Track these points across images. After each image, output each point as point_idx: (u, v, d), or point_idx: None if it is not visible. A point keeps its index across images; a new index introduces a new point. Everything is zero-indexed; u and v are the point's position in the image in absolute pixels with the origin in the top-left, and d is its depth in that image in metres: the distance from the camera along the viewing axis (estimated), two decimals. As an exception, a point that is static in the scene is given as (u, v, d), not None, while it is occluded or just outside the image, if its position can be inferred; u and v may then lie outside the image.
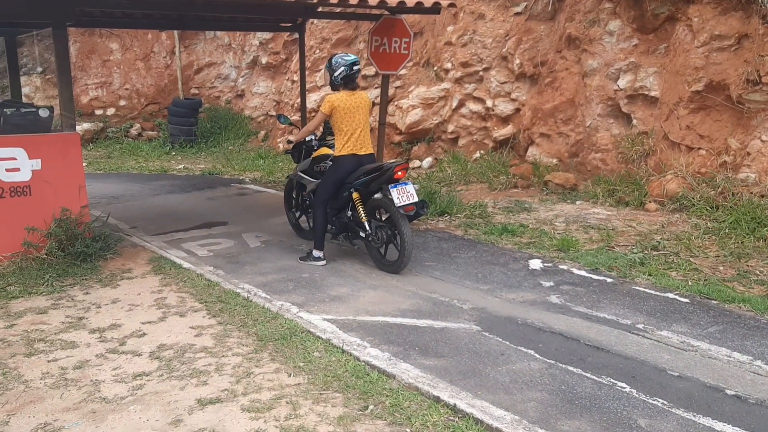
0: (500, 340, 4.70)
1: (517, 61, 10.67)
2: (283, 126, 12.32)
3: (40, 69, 16.29)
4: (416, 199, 6.21)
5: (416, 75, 12.19)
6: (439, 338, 4.73)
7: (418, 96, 11.87)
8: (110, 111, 16.60)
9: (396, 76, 11.42)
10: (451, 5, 8.60)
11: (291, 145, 7.63)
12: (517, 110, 10.85)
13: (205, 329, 4.86)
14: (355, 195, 6.45)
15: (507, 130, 10.92)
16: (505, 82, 10.99)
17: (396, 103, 12.07)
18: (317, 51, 13.79)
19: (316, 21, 13.27)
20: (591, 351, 4.49)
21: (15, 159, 6.26)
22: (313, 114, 6.57)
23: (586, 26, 9.33)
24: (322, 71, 13.59)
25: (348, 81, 6.44)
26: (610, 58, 9.08)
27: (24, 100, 10.65)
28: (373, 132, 11.94)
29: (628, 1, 8.74)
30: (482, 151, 11.14)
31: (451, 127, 11.60)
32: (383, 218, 6.46)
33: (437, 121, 11.75)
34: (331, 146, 6.88)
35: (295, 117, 13.12)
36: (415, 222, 8.07)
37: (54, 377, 4.11)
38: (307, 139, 7.22)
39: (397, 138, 12.09)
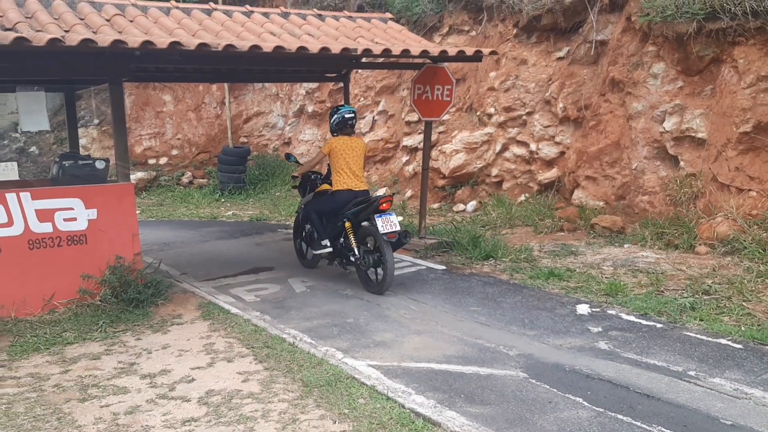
0: (548, 387, 4.64)
1: (561, 105, 10.69)
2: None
3: (96, 121, 16.98)
4: (398, 228, 7.02)
5: (459, 120, 12.30)
6: (485, 385, 4.69)
7: (462, 141, 11.96)
8: (163, 160, 17.14)
9: (439, 121, 11.56)
10: (493, 53, 8.75)
11: (296, 180, 8.48)
12: (562, 153, 10.84)
13: (252, 375, 4.92)
14: (347, 224, 7.32)
15: (552, 174, 10.90)
16: (549, 126, 11.00)
17: (439, 147, 12.18)
18: (362, 99, 14.06)
19: (360, 70, 13.57)
20: (641, 399, 4.40)
21: (72, 209, 6.53)
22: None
23: (629, 69, 9.33)
24: (367, 118, 13.85)
25: (342, 127, 7.54)
26: (655, 101, 9.03)
27: (81, 151, 11.10)
28: (417, 176, 12.09)
29: (672, 44, 8.72)
30: (527, 195, 11.11)
31: (495, 171, 11.63)
32: (372, 246, 7.22)
33: (481, 165, 11.79)
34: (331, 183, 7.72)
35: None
36: (460, 266, 8.10)
37: (106, 423, 4.20)
38: (312, 177, 8.10)
39: (441, 182, 12.17)
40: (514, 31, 11.48)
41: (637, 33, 9.36)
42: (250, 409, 4.34)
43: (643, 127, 9.17)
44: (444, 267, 8.16)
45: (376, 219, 6.97)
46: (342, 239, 7.50)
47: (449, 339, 5.68)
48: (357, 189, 7.45)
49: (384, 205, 7.01)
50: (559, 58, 10.93)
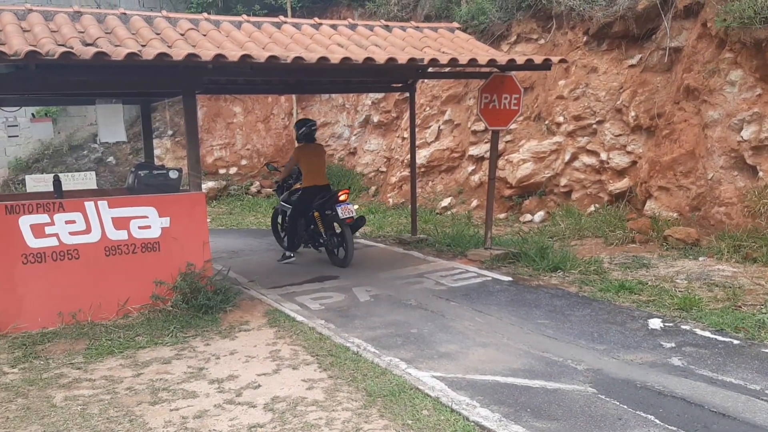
0: (617, 403, 4.50)
1: (633, 114, 10.42)
2: (394, 182, 13.02)
3: (170, 132, 17.56)
4: (354, 214, 8.80)
5: (527, 129, 12.14)
6: (552, 400, 4.59)
7: (529, 150, 11.80)
8: (233, 170, 17.58)
9: (506, 130, 11.44)
10: (562, 61, 8.60)
11: (276, 185, 10.48)
12: (633, 163, 10.55)
13: (317, 383, 4.95)
14: (315, 214, 9.07)
15: (623, 184, 10.62)
16: (620, 135, 10.74)
17: (506, 157, 12.05)
18: (427, 108, 14.06)
19: (426, 80, 13.58)
20: (716, 418, 4.21)
21: (147, 217, 6.75)
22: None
23: (705, 77, 9.02)
24: (432, 128, 13.83)
25: (308, 137, 9.40)
26: (732, 109, 8.69)
27: (155, 161, 11.47)
28: (483, 186, 11.99)
29: (750, 51, 8.38)
30: (597, 205, 10.86)
31: (563, 181, 11.42)
32: (337, 231, 8.99)
33: (549, 175, 11.60)
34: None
35: (405, 173, 13.38)
36: (527, 278, 7.98)
37: (176, 426, 4.31)
38: (289, 182, 9.81)
39: (508, 192, 12.03)
40: (584, 39, 11.27)
41: (713, 39, 9.05)
42: (314, 416, 4.36)
43: (720, 135, 8.83)
44: (510, 278, 8.04)
45: (337, 208, 8.69)
46: (312, 226, 9.26)
47: (515, 352, 5.59)
48: (321, 184, 9.23)
49: (342, 197, 8.77)
50: (631, 66, 10.67)
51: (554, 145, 11.60)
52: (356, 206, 9.58)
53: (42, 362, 5.52)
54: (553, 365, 5.25)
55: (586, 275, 7.89)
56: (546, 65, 8.32)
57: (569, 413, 4.36)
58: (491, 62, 7.91)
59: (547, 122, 11.76)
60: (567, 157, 11.35)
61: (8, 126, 10.11)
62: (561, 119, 11.48)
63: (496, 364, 5.29)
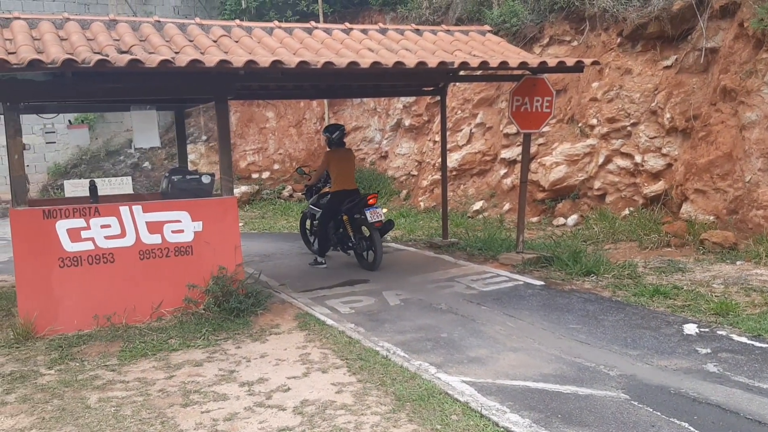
0: (650, 410, 4.42)
1: (668, 115, 10.25)
2: (425, 185, 13.06)
3: (204, 137, 17.79)
4: (383, 218, 8.84)
5: (560, 132, 12.02)
6: (583, 406, 4.53)
7: (562, 153, 11.69)
8: (265, 174, 17.73)
9: (538, 133, 11.34)
10: (595, 63, 8.52)
11: (306, 188, 10.54)
12: (669, 165, 10.38)
13: (346, 386, 4.96)
14: (344, 217, 9.11)
15: (658, 186, 10.45)
16: (655, 137, 10.57)
17: (539, 160, 11.95)
18: (459, 112, 14.01)
19: (458, 83, 13.54)
20: (752, 426, 4.11)
21: (180, 221, 6.84)
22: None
23: (742, 78, 8.83)
24: (464, 131, 13.78)
25: (338, 142, 9.45)
26: (770, 109, 8.50)
27: (189, 166, 11.63)
28: (515, 190, 11.90)
29: (790, 49, 8.20)
30: (631, 208, 10.70)
31: (597, 184, 11.28)
32: (366, 234, 9.00)
33: (582, 178, 11.47)
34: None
35: (436, 176, 13.35)
36: (559, 282, 7.90)
37: (206, 428, 4.35)
38: (317, 186, 9.92)
39: (540, 195, 11.92)
40: (618, 40, 11.13)
41: (750, 39, 8.86)
42: (343, 420, 4.37)
43: (758, 137, 8.63)
44: (542, 282, 7.96)
45: (366, 212, 8.73)
46: (341, 229, 9.30)
47: (547, 357, 5.53)
48: (350, 188, 9.26)
49: (371, 200, 8.84)
50: (666, 67, 10.50)
51: (588, 148, 11.46)
52: (385, 210, 9.63)
53: (77, 364, 5.63)
54: (585, 371, 5.18)
55: (619, 279, 7.78)
56: (578, 67, 8.24)
57: (601, 419, 4.30)
58: (522, 65, 7.86)
59: (580, 125, 11.63)
60: (601, 160, 11.20)
61: (46, 132, 10.34)
62: (594, 121, 11.34)
63: (526, 369, 5.24)
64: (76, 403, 4.81)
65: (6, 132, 6.42)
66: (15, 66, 5.70)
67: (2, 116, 6.59)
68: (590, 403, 4.58)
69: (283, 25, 8.05)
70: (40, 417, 4.59)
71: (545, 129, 11.27)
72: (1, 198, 15.60)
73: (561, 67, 8.25)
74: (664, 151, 10.45)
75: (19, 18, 6.80)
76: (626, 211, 10.70)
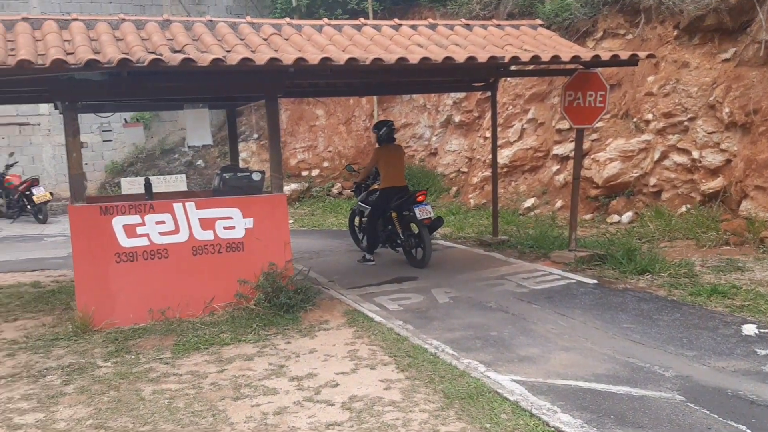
0: (707, 412, 4.28)
1: (727, 110, 9.92)
2: (475, 182, 13.00)
3: (255, 135, 18.04)
4: (432, 215, 8.83)
5: (614, 127, 11.76)
6: (637, 407, 4.41)
7: (616, 148, 11.43)
8: (315, 172, 17.87)
9: (591, 129, 11.12)
10: (650, 56, 8.31)
11: (355, 185, 10.59)
12: (728, 161, 10.04)
13: (394, 383, 4.95)
14: (393, 214, 9.15)
15: (716, 183, 10.12)
16: (713, 132, 10.24)
17: (592, 156, 11.71)
18: (510, 107, 13.84)
19: (509, 78, 13.38)
20: (819, 433, 3.94)
21: (231, 218, 6.94)
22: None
23: (807, 68, 8.48)
24: (515, 127, 13.61)
25: (388, 138, 9.40)
26: (838, 102, 8.14)
27: (241, 164, 11.82)
28: (567, 186, 11.70)
29: None
30: (688, 206, 10.39)
31: (653, 180, 10.99)
32: (414, 231, 9.02)
33: (637, 174, 11.19)
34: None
35: (486, 173, 13.23)
36: (612, 280, 7.73)
37: (256, 422, 4.40)
38: (366, 182, 10.00)
39: (594, 192, 11.68)
40: (675, 33, 10.82)
41: (816, 28, 8.50)
42: (391, 417, 4.36)
43: (825, 131, 8.28)
44: (595, 281, 7.80)
45: (415, 209, 8.72)
46: (390, 226, 9.31)
47: (599, 357, 5.41)
48: (399, 185, 9.20)
49: (420, 197, 8.78)
50: (725, 60, 10.15)
51: (643, 144, 11.18)
52: (432, 206, 9.62)
53: (133, 357, 5.77)
54: (639, 371, 5.05)
55: (675, 278, 7.56)
56: (633, 61, 8.04)
57: (655, 421, 4.18)
58: (575, 59, 7.71)
59: (635, 120, 11.35)
60: (656, 156, 10.91)
61: (103, 131, 10.63)
62: (650, 116, 11.05)
63: (578, 369, 5.14)
64: (131, 394, 4.93)
65: (65, 130, 6.63)
66: (73, 66, 5.87)
67: (62, 115, 6.80)
68: (644, 404, 4.46)
69: (333, 22, 8.07)
70: (96, 408, 4.71)
71: (599, 124, 11.04)
72: (61, 195, 16.12)
73: (615, 61, 8.05)
74: (722, 146, 10.11)
75: (77, 19, 6.99)
76: (683, 209, 10.40)
